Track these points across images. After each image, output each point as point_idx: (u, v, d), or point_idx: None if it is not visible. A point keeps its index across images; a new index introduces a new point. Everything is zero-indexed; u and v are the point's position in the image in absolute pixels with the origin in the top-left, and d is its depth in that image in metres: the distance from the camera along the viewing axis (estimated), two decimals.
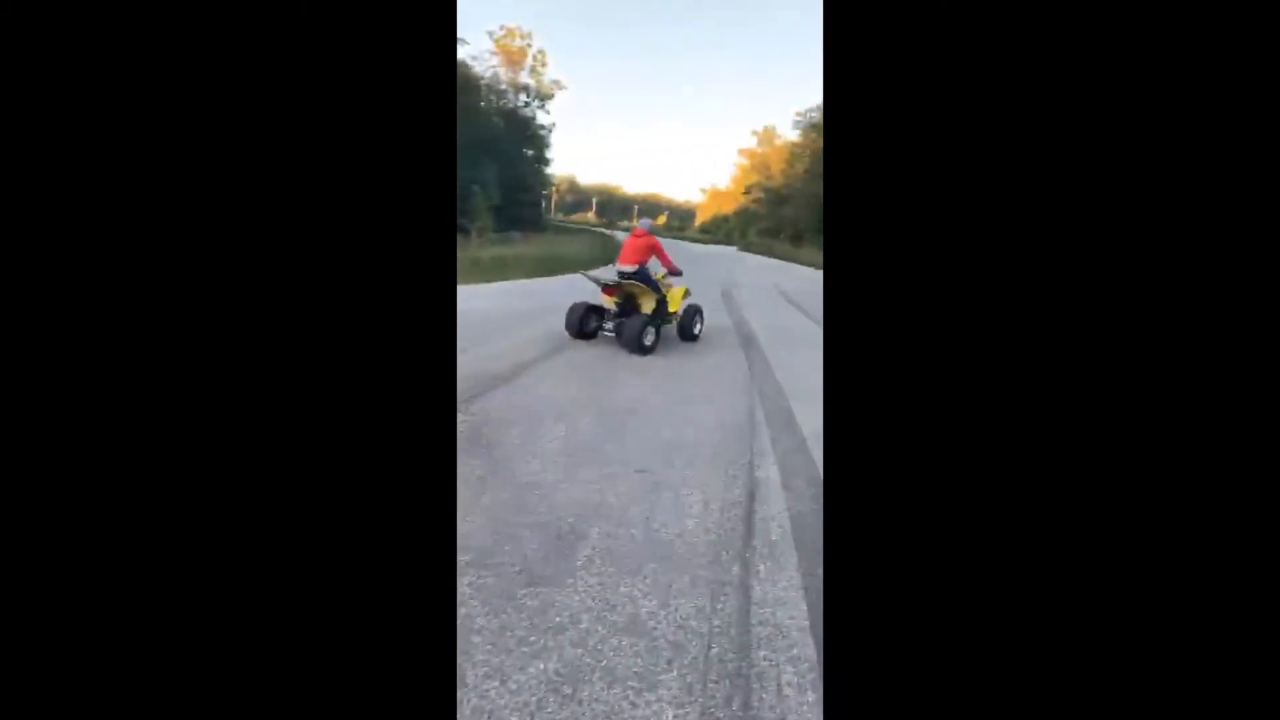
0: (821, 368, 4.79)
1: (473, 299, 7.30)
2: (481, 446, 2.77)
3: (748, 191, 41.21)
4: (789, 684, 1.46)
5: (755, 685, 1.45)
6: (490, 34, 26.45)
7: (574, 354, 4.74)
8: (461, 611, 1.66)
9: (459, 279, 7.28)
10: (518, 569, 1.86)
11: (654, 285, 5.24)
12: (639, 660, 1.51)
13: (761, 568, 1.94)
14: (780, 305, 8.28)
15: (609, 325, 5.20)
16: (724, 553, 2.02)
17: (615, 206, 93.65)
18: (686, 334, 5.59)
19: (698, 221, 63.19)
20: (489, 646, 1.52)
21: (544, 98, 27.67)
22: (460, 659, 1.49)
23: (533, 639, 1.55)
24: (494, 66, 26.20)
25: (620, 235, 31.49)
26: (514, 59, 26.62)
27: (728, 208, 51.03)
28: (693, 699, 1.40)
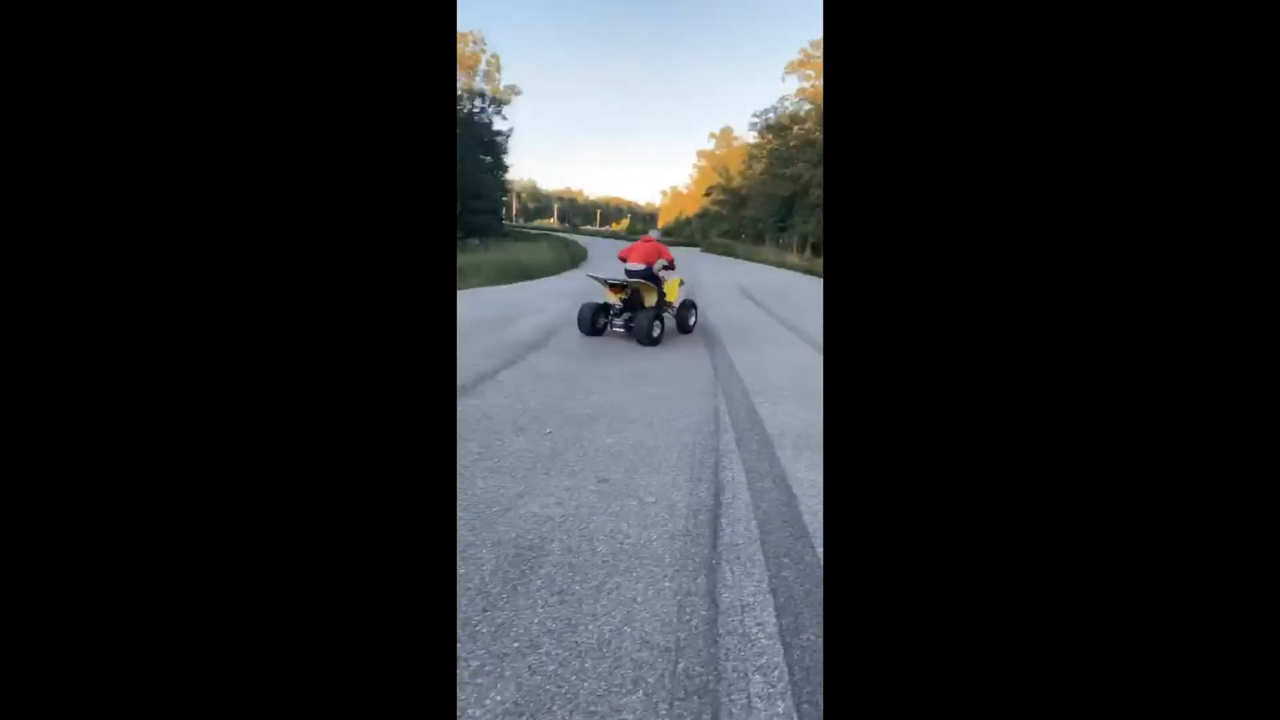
0: (784, 364, 4.90)
1: None
2: None
3: (708, 193, 41.58)
4: (759, 695, 1.41)
5: (724, 699, 1.40)
6: None
7: (536, 361, 4.64)
8: None
9: None
10: (474, 591, 1.76)
11: (656, 280, 5.76)
12: (602, 684, 1.44)
13: (729, 573, 1.90)
14: (742, 304, 8.35)
15: (618, 322, 5.69)
16: (690, 561, 1.97)
17: (577, 211, 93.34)
18: (683, 326, 6.19)
19: (660, 224, 63.43)
20: None
21: (500, 103, 27.33)
22: None
23: (489, 667, 1.46)
24: None
25: (582, 239, 31.49)
26: (466, 64, 26.22)
27: (689, 210, 51.42)
28: None
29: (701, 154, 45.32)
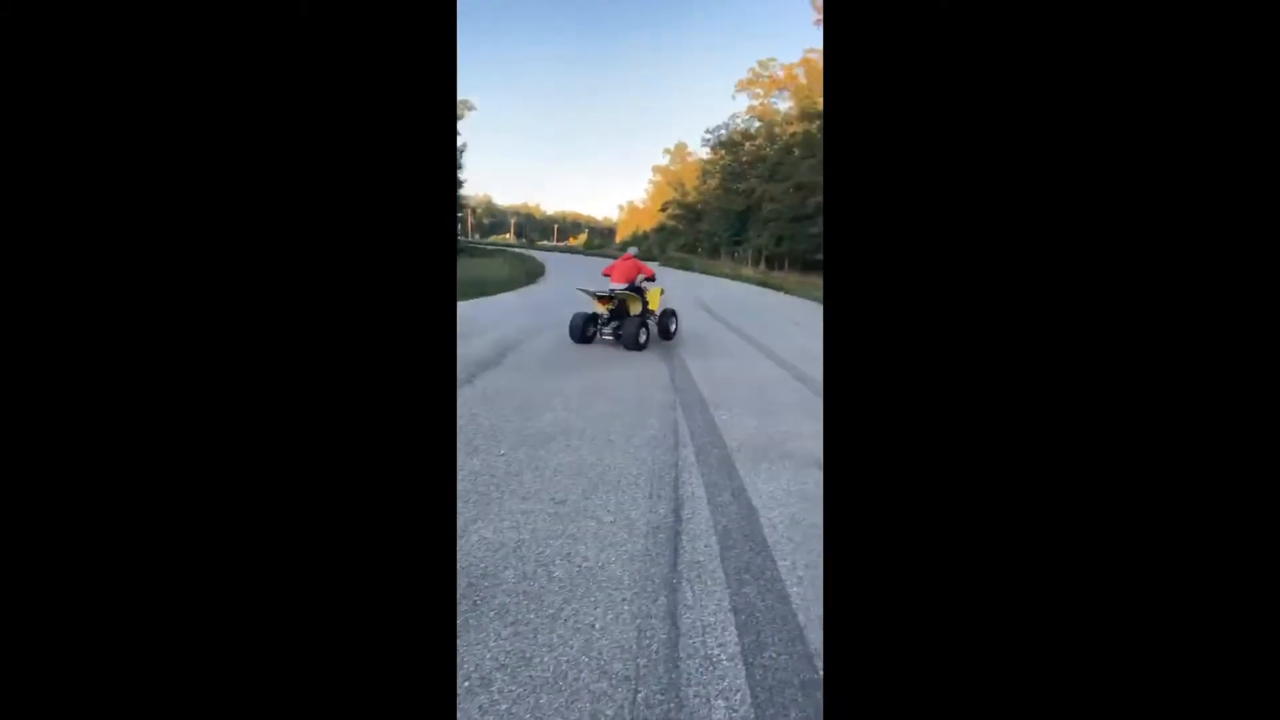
0: (742, 376, 4.94)
1: None
2: None
3: (664, 208, 42.13)
4: None
5: None
6: None
7: (492, 380, 4.51)
8: None
9: None
10: None
11: (639, 292, 6.33)
12: None
13: (689, 593, 1.85)
14: (700, 316, 8.42)
15: (607, 330, 6.22)
16: (649, 581, 1.91)
17: (534, 226, 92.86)
18: (665, 332, 6.67)
19: (618, 239, 63.74)
20: None
21: None
22: None
23: None
24: None
25: (539, 254, 31.33)
26: None
27: (646, 224, 51.91)
28: None
29: (657, 169, 45.94)
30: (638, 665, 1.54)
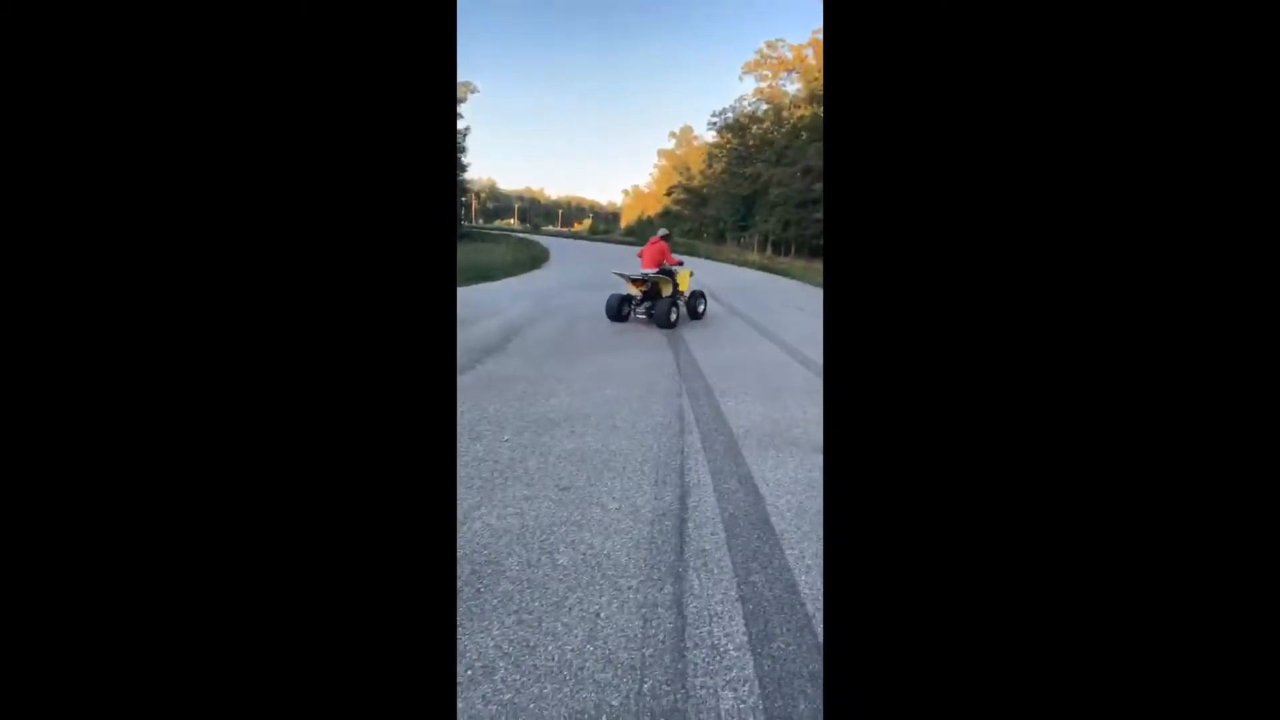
0: (748, 361, 4.90)
1: None
2: None
3: (669, 192, 41.67)
4: (729, 713, 1.34)
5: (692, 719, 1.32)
6: None
7: (495, 365, 4.48)
8: None
9: None
10: None
11: (670, 275, 6.87)
12: (562, 710, 1.34)
13: (695, 581, 1.82)
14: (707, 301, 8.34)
15: (640, 310, 6.91)
16: (655, 569, 1.89)
17: (539, 211, 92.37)
18: (693, 313, 7.24)
19: (623, 224, 63.28)
20: None
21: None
22: None
23: None
24: None
25: (543, 240, 31.17)
26: None
27: (651, 209, 51.45)
28: None
29: (662, 153, 45.35)
30: (643, 654, 1.51)
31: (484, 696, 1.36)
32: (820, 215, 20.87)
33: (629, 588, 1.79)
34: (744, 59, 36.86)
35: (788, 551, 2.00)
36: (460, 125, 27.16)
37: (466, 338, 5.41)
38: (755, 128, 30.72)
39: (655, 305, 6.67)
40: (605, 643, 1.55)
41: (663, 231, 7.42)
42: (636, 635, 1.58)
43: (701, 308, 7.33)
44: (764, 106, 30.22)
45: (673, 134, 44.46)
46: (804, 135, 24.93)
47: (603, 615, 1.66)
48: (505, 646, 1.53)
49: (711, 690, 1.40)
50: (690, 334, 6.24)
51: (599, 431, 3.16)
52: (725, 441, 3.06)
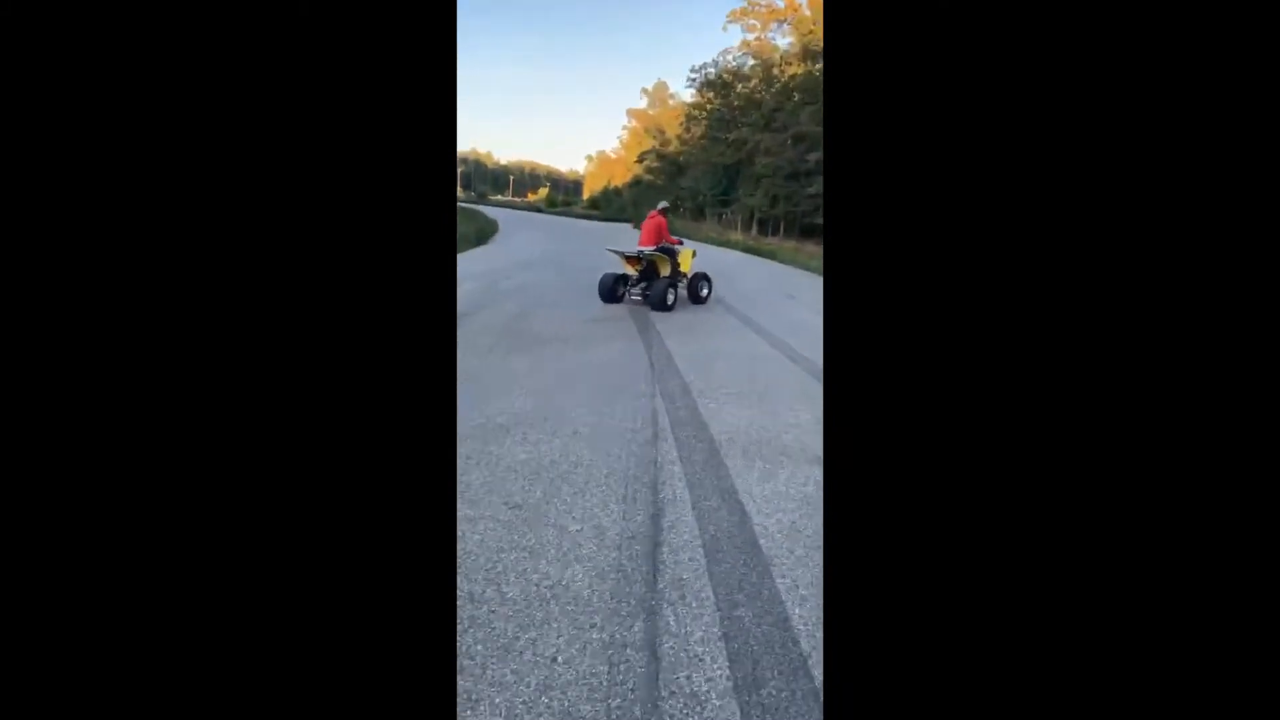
0: (732, 356, 4.91)
1: None
2: None
3: (640, 159, 41.59)
4: None
5: None
6: None
7: None
8: None
9: None
10: None
11: (670, 254, 7.26)
12: None
13: (671, 617, 1.79)
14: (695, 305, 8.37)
15: (635, 291, 7.29)
16: (623, 603, 1.85)
17: (484, 178, 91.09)
18: (695, 296, 7.60)
19: (586, 194, 62.87)
20: None
21: None
22: None
23: None
24: None
25: (490, 211, 30.80)
26: None
27: (619, 178, 51.32)
28: None
29: (633, 113, 45.17)
30: (608, 706, 1.47)
31: None
32: (814, 189, 21.09)
33: (591, 626, 1.74)
34: (731, 6, 37.00)
35: (779, 580, 1.99)
36: None
37: None
38: (741, 86, 30.89)
39: (651, 286, 7.03)
40: (562, 693, 1.51)
41: (663, 205, 7.82)
42: (600, 683, 1.54)
43: (705, 291, 7.67)
44: (751, 62, 30.39)
45: (645, 91, 44.44)
46: (796, 97, 25.15)
47: (559, 660, 1.61)
48: None
49: None
50: (666, 324, 6.23)
51: (557, 439, 3.10)
52: (705, 450, 3.04)
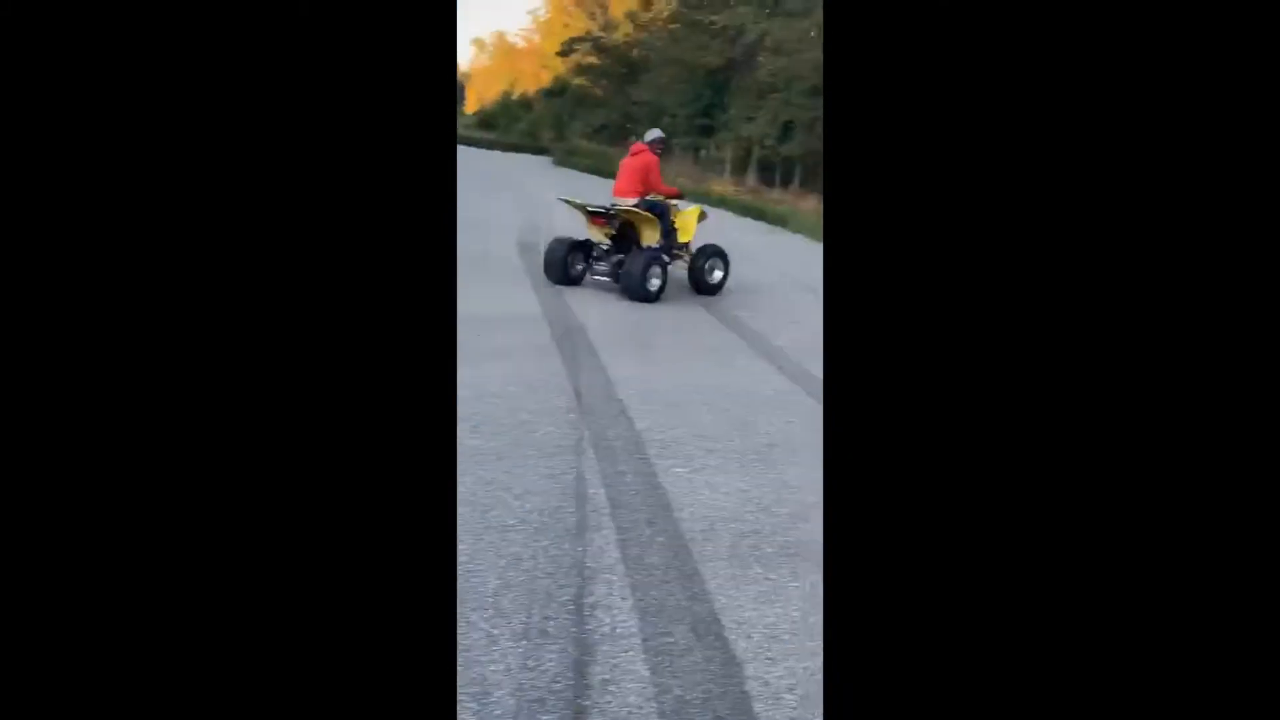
0: (713, 387, 4.92)
1: None
2: None
3: (565, 52, 41.73)
4: None
5: None
6: None
7: None
8: None
9: None
10: None
11: (659, 210, 7.58)
12: None
13: None
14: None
15: (601, 267, 7.60)
16: None
17: None
18: (701, 283, 7.96)
19: (472, 105, 62.70)
20: None
21: None
22: None
23: None
24: None
25: None
26: None
27: (530, 83, 51.49)
28: None
29: None
30: None
31: None
32: None
33: None
34: None
35: None
36: None
37: None
38: None
39: (627, 261, 7.30)
40: None
41: (655, 134, 8.17)
42: None
43: (718, 275, 8.11)
44: None
45: None
46: None
47: None
48: None
49: None
50: (605, 335, 6.22)
51: None
52: (665, 547, 3.02)
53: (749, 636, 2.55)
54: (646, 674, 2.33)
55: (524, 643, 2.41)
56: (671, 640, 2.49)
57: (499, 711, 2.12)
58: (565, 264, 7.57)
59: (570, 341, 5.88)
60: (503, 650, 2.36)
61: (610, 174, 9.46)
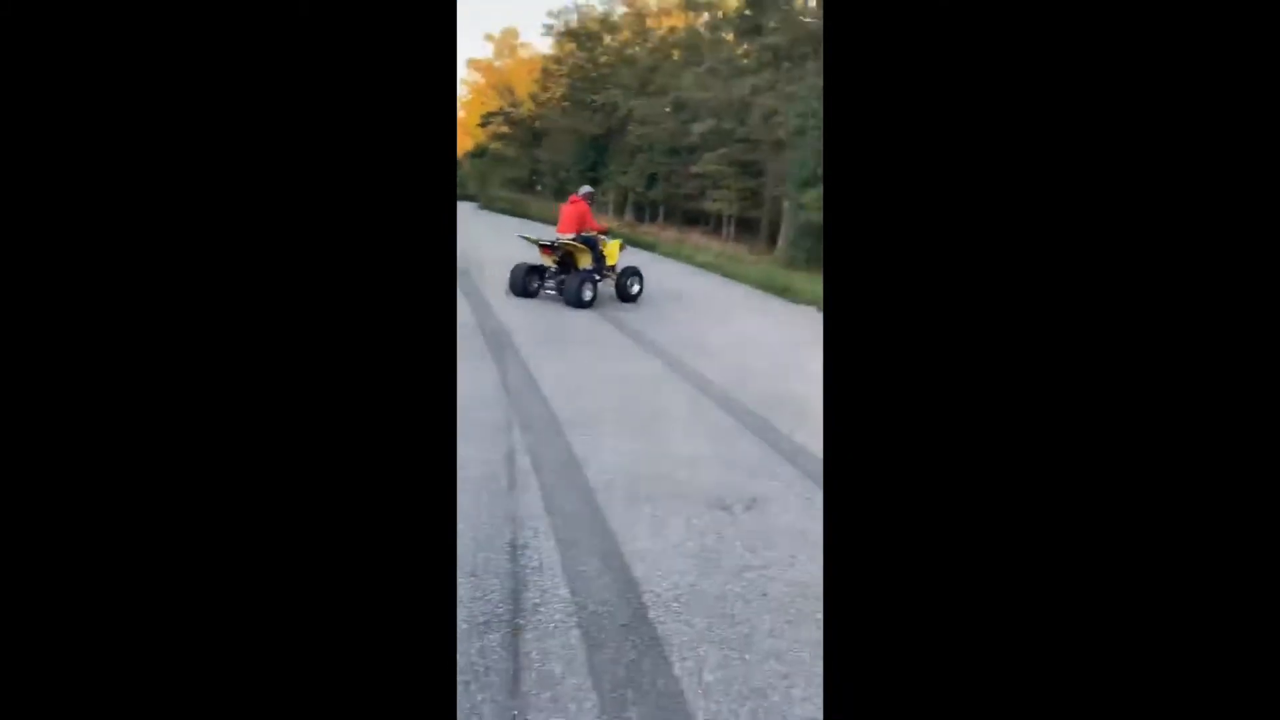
0: (609, 376, 4.89)
1: None
2: None
3: (484, 123, 40.91)
4: None
5: None
6: None
7: None
8: None
9: None
10: None
11: (591, 243, 8.00)
12: None
13: None
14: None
15: (550, 284, 7.99)
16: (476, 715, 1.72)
17: None
18: (624, 294, 8.30)
19: None
20: None
21: None
22: None
23: None
24: None
25: None
26: None
27: (460, 145, 50.25)
28: None
29: (475, 65, 44.18)
30: None
31: None
32: (698, 168, 21.77)
33: None
34: None
35: (677, 666, 1.95)
36: None
37: None
38: (609, 38, 31.40)
39: (568, 280, 7.73)
40: None
41: (586, 190, 8.61)
42: None
43: (636, 288, 8.43)
44: (621, 9, 31.04)
45: (490, 38, 43.65)
46: (676, 55, 26.00)
47: None
48: None
49: None
50: (523, 333, 6.11)
51: None
52: (580, 498, 2.97)
53: (643, 560, 2.51)
54: (567, 595, 2.27)
55: (472, 578, 2.32)
56: (585, 569, 2.44)
57: (495, 603, 2.03)
58: (524, 282, 7.84)
59: (498, 343, 5.74)
60: (469, 591, 2.26)
61: (522, 215, 9.48)
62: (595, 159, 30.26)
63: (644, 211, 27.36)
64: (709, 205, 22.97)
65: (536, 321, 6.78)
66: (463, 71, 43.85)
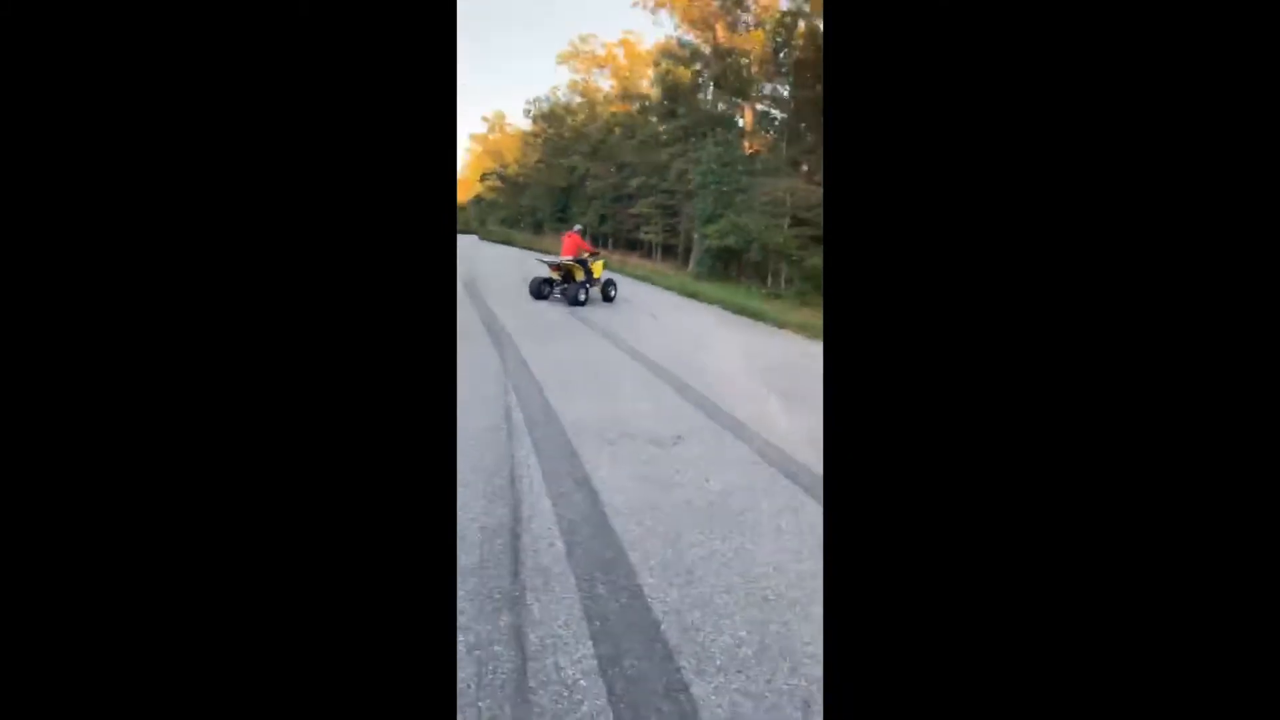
0: (577, 359, 4.80)
1: None
2: None
3: (483, 178, 39.73)
4: None
5: None
6: None
7: None
8: None
9: None
10: None
11: (583, 263, 8.25)
12: None
13: (535, 607, 1.64)
14: (527, 297, 8.08)
15: (557, 291, 8.20)
16: (488, 600, 1.66)
17: None
18: (606, 296, 8.59)
19: None
20: None
21: None
22: None
23: None
24: None
25: None
26: None
27: (464, 195, 48.60)
28: None
29: (475, 138, 42.62)
30: (478, 710, 1.29)
31: None
32: (635, 210, 21.60)
33: (459, 627, 1.54)
34: (558, 48, 36.59)
35: (632, 555, 1.92)
36: None
37: None
38: (570, 119, 30.76)
39: (569, 288, 7.96)
40: None
41: (578, 227, 9.13)
42: (469, 684, 1.35)
43: (613, 292, 8.68)
44: (578, 99, 30.40)
45: (485, 118, 42.28)
46: (617, 132, 25.63)
47: None
48: None
49: None
50: (516, 328, 5.94)
51: None
52: (557, 442, 2.90)
53: (605, 484, 2.47)
54: (549, 508, 2.22)
55: (483, 499, 2.24)
56: (564, 491, 2.38)
57: (463, 549, 1.96)
58: (540, 289, 8.11)
59: (499, 339, 5.57)
60: (466, 506, 2.19)
61: (510, 244, 9.23)
62: (564, 204, 29.66)
63: (598, 241, 27.04)
64: (643, 236, 22.91)
65: (527, 323, 6.61)
66: (466, 144, 42.41)
